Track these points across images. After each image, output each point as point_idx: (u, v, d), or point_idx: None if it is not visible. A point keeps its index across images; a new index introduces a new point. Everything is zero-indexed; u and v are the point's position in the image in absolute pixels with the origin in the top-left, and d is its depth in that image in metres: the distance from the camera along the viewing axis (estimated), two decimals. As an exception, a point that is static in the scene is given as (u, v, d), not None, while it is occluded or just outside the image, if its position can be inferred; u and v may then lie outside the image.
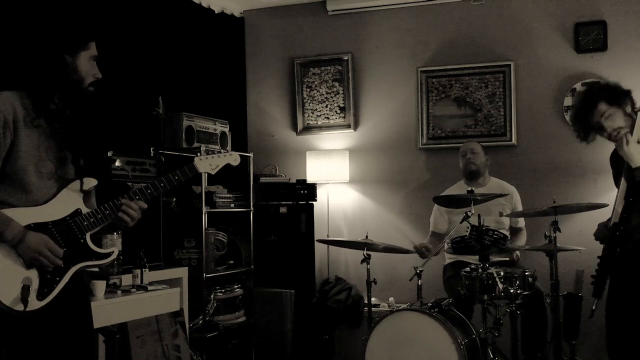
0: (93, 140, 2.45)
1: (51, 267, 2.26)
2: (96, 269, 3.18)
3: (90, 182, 2.42)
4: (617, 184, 3.21)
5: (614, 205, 3.05)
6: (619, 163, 3.16)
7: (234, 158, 2.66)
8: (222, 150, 2.64)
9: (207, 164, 2.56)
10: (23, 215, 2.26)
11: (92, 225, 2.36)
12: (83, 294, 2.47)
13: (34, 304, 2.23)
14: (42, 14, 2.48)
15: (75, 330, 2.36)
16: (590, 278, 3.13)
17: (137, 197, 2.42)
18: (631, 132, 2.94)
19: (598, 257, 3.12)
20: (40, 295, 2.25)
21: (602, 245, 3.18)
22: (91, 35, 2.39)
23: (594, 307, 3.06)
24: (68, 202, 2.36)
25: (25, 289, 2.21)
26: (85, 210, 2.37)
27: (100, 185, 2.47)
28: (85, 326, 2.44)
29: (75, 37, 2.36)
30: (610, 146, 3.23)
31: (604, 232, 3.14)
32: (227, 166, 2.62)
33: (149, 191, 2.44)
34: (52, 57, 2.31)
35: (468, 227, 3.87)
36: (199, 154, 2.58)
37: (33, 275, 2.25)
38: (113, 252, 2.43)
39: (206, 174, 4.79)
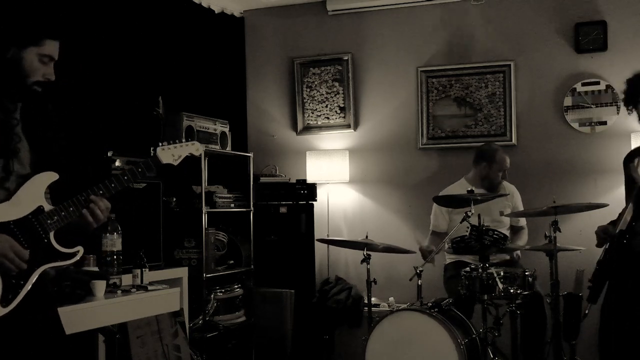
0: (52, 143, 2.31)
1: (16, 271, 2.14)
2: (96, 269, 3.20)
3: (49, 177, 2.28)
4: (627, 189, 3.20)
5: (624, 211, 3.01)
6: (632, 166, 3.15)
7: (195, 147, 2.53)
8: (183, 140, 2.54)
9: (170, 154, 2.46)
10: None
11: (56, 223, 2.24)
12: (48, 296, 2.34)
13: None
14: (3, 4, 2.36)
15: (44, 333, 2.25)
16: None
17: (100, 192, 2.30)
18: None
19: (598, 262, 3.11)
20: (5, 302, 2.13)
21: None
22: (46, 33, 2.23)
23: (586, 312, 3.06)
24: (29, 199, 2.22)
25: None
26: (47, 207, 2.25)
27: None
28: (54, 328, 2.31)
29: (23, 30, 2.21)
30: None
31: (605, 236, 3.11)
32: (190, 156, 2.53)
33: (113, 185, 2.33)
34: None
35: (468, 227, 3.87)
36: (160, 144, 2.46)
37: None
38: (78, 251, 2.31)
39: (205, 175, 4.80)
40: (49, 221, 2.23)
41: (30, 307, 2.19)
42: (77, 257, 2.31)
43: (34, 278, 2.20)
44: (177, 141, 2.49)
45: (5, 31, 2.20)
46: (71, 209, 2.26)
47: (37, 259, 2.21)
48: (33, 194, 2.24)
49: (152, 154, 2.48)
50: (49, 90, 2.30)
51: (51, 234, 2.24)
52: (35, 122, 2.29)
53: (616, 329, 3.00)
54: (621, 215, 3.12)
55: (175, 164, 2.49)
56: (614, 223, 3.15)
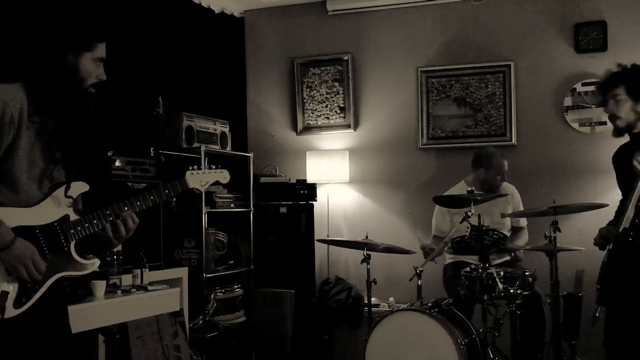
0: (90, 142, 2.38)
1: (30, 281, 2.18)
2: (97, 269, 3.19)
3: (80, 188, 2.35)
4: (621, 186, 3.20)
5: (625, 209, 2.99)
6: (621, 163, 3.15)
7: (224, 176, 2.65)
8: (213, 167, 2.65)
9: (198, 179, 2.55)
10: (10, 216, 2.17)
11: (79, 233, 2.30)
12: (60, 301, 2.38)
13: (10, 311, 2.16)
14: (52, 11, 2.42)
15: (51, 337, 2.29)
16: (591, 280, 3.12)
17: (125, 208, 2.36)
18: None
19: (602, 264, 3.09)
20: (18, 303, 2.17)
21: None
22: (97, 37, 2.33)
23: (597, 314, 3.04)
24: (57, 206, 2.29)
25: (4, 296, 2.14)
26: (73, 217, 2.31)
27: (100, 186, 2.43)
28: (62, 333, 2.36)
29: (78, 37, 2.29)
30: (613, 146, 3.23)
31: (608, 235, 3.09)
32: (216, 182, 2.62)
33: (138, 203, 2.38)
34: (53, 53, 2.24)
35: (468, 227, 3.87)
36: (190, 167, 2.55)
37: (12, 281, 2.17)
38: (94, 263, 2.36)
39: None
40: (71, 230, 2.28)
41: (41, 310, 2.24)
42: (92, 269, 2.35)
43: (47, 285, 2.24)
44: (207, 167, 2.60)
45: (60, 39, 2.27)
46: (95, 221, 2.31)
47: (55, 266, 2.26)
48: (62, 202, 2.29)
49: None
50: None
51: (72, 243, 2.29)
52: (77, 126, 2.34)
53: (623, 329, 2.98)
54: (618, 214, 3.11)
55: (202, 189, 2.59)
56: (612, 223, 3.14)
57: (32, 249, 2.18)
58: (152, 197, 2.41)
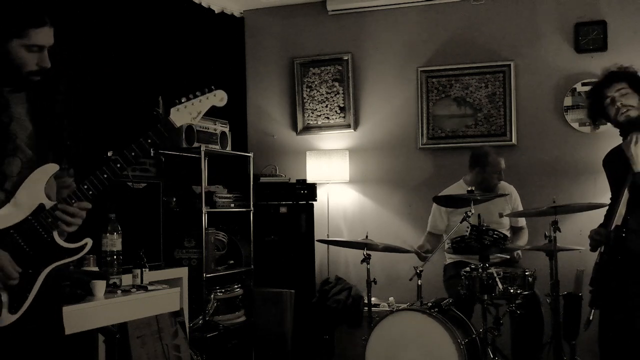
0: (60, 129, 2.24)
1: (1, 287, 2.06)
2: (96, 269, 3.19)
3: (51, 169, 2.17)
4: (612, 187, 3.21)
5: (616, 208, 3.00)
6: (612, 167, 3.16)
7: (218, 98, 2.30)
8: (198, 94, 2.29)
9: (187, 113, 2.25)
10: None
11: (58, 218, 2.14)
12: (55, 298, 2.27)
13: (7, 318, 2.07)
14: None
15: (46, 338, 2.20)
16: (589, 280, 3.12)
17: (105, 175, 2.19)
18: None
19: (595, 265, 3.10)
20: (13, 309, 2.08)
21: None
22: (28, 22, 2.10)
23: (590, 317, 3.02)
24: (29, 198, 2.12)
25: None
26: (49, 204, 2.13)
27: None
28: (56, 333, 2.26)
29: (3, 22, 2.09)
30: (613, 146, 3.22)
31: (599, 238, 3.09)
32: (212, 108, 2.29)
33: (119, 165, 2.20)
34: None
35: (468, 227, 3.87)
36: (177, 101, 2.22)
37: (3, 289, 2.08)
38: (86, 244, 2.18)
39: (205, 175, 4.80)
40: (49, 219, 2.13)
41: (38, 308, 2.14)
42: (85, 251, 2.19)
43: (39, 282, 2.13)
44: (197, 94, 2.27)
45: None
46: (73, 201, 2.15)
47: (43, 260, 2.14)
48: (32, 191, 2.13)
49: (161, 116, 2.29)
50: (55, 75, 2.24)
51: (55, 232, 2.14)
52: (42, 108, 2.22)
53: (617, 332, 2.97)
54: (608, 216, 3.11)
55: (195, 122, 2.28)
56: (603, 226, 3.14)
57: (5, 256, 2.05)
58: (132, 154, 2.20)
